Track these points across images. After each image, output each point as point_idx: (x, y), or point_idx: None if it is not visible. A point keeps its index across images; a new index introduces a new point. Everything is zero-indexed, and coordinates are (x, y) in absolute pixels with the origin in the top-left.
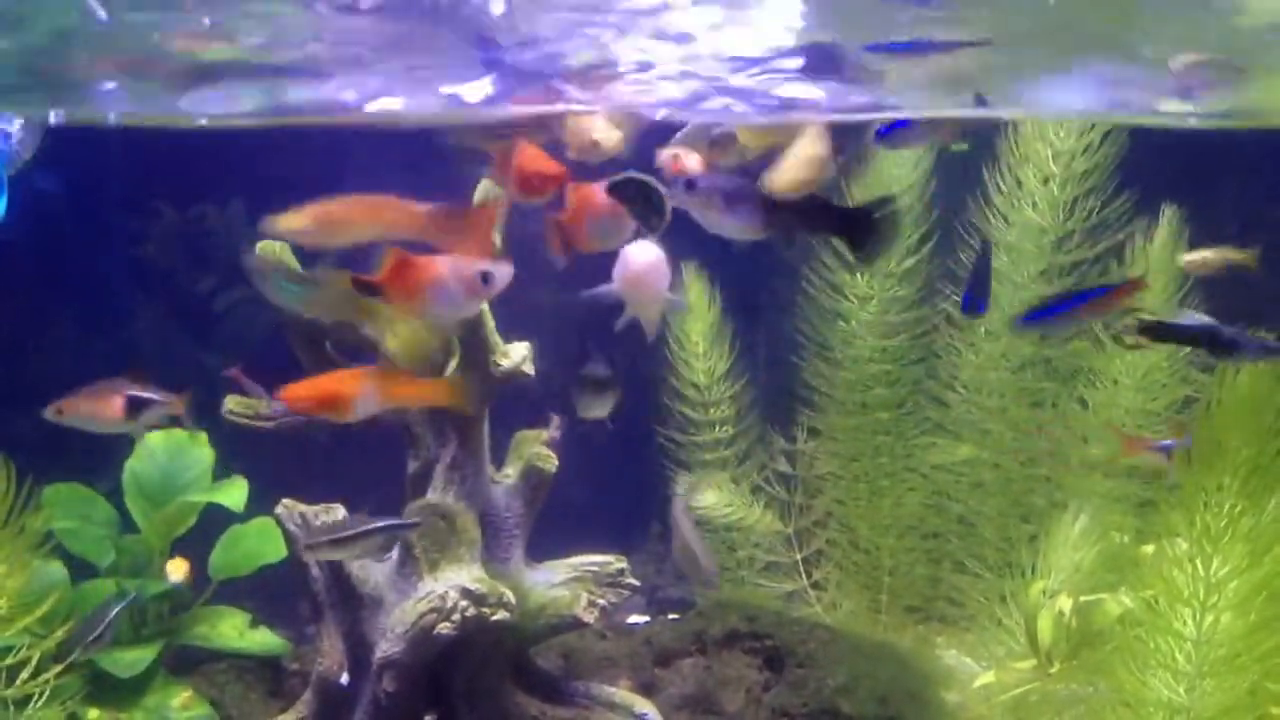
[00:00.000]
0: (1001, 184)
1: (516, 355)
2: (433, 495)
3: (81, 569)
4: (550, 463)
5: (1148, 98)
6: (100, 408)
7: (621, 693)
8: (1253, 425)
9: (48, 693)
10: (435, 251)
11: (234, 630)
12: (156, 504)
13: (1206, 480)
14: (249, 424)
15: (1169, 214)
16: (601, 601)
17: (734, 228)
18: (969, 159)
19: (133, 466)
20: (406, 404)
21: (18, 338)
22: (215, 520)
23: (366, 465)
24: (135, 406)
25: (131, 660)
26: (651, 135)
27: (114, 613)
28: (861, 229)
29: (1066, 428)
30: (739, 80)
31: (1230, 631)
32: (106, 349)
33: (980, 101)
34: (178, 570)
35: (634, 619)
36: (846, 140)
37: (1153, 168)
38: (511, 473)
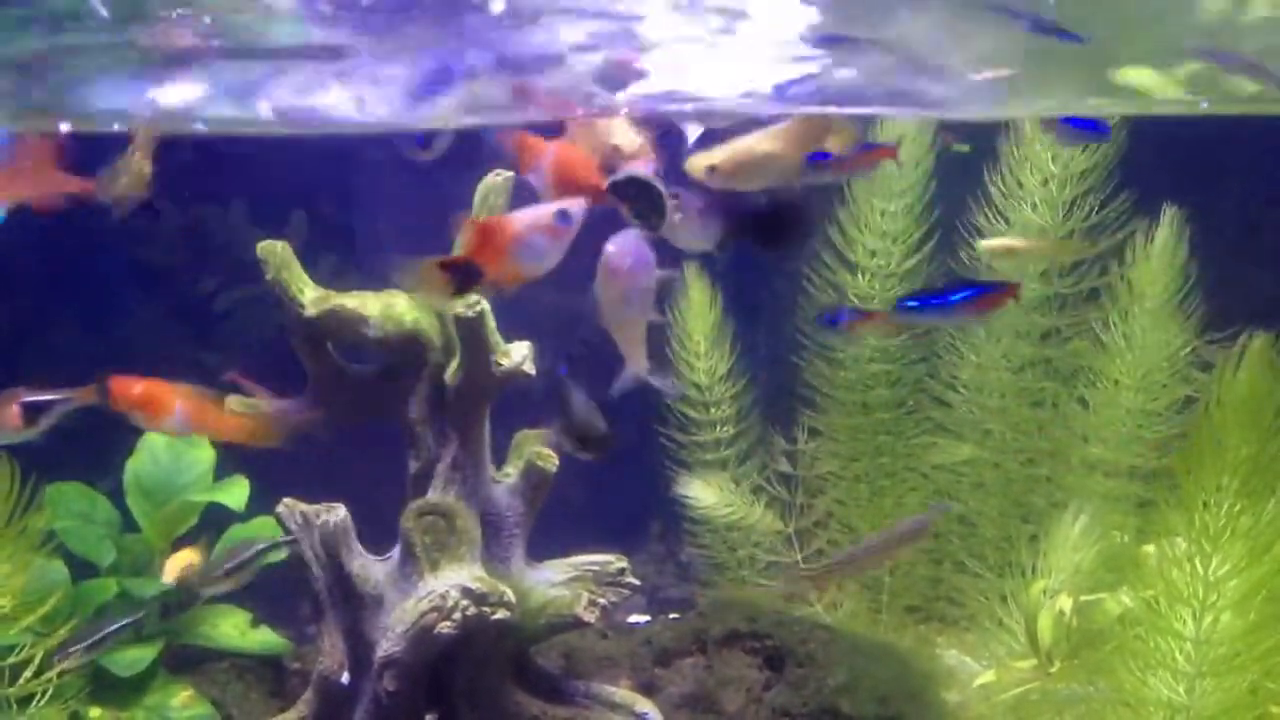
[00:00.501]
0: (1002, 184)
1: (517, 355)
2: (433, 495)
3: (83, 568)
4: (551, 462)
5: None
6: None
7: (622, 692)
8: (1252, 425)
9: (50, 691)
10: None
11: (235, 629)
12: (158, 503)
13: (1206, 480)
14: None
15: (1169, 214)
16: (602, 601)
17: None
18: (969, 159)
19: (134, 466)
20: (213, 436)
21: (18, 338)
22: (216, 520)
23: (367, 465)
24: (33, 411)
25: (132, 659)
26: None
27: (115, 628)
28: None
29: (1066, 428)
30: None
31: (1230, 631)
32: (106, 349)
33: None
34: (187, 560)
35: (634, 619)
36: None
37: (1153, 166)
38: (512, 472)
